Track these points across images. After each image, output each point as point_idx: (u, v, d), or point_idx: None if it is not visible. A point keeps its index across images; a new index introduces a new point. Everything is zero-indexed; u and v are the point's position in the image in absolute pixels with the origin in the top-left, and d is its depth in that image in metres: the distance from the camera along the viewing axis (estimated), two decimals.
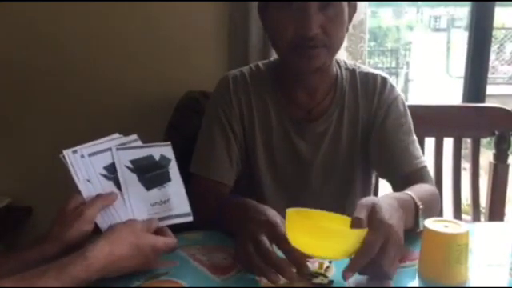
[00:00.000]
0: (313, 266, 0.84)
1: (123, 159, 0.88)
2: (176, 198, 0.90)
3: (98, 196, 0.84)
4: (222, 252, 0.92)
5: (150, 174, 0.89)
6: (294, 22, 1.03)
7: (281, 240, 0.81)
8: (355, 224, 0.80)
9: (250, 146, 1.18)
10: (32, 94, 1.76)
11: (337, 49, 1.09)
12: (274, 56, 1.63)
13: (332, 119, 1.16)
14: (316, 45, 1.03)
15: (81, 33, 1.72)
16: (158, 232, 0.86)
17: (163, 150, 0.92)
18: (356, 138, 1.18)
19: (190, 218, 0.91)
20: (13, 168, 1.82)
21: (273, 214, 0.87)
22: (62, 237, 0.79)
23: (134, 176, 0.88)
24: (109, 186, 0.86)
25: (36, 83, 1.75)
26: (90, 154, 0.86)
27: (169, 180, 0.91)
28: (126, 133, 0.95)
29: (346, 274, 0.77)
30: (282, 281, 0.79)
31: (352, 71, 1.19)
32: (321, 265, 0.85)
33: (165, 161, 0.91)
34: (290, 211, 0.81)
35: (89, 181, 0.85)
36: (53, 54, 1.73)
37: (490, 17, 1.82)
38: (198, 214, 1.09)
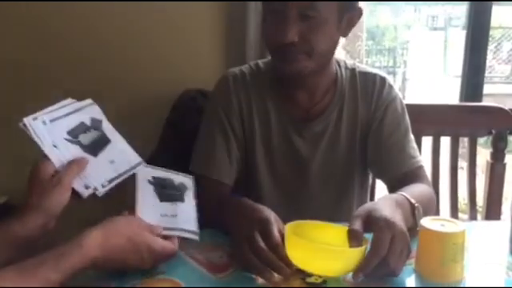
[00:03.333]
0: None
1: (148, 174, 0.90)
2: (185, 216, 0.91)
3: (73, 162, 0.82)
4: (219, 250, 0.92)
5: (167, 190, 0.90)
6: (274, 27, 1.04)
7: (268, 237, 0.81)
8: (352, 236, 0.81)
9: (249, 145, 1.18)
10: (30, 93, 1.75)
11: (323, 56, 1.08)
12: None
13: (331, 118, 1.16)
14: (295, 52, 1.03)
15: (79, 31, 1.71)
16: (165, 239, 0.85)
17: (184, 179, 0.95)
18: (354, 138, 1.18)
19: (196, 237, 0.90)
20: (10, 166, 1.81)
21: (267, 212, 0.88)
22: (42, 206, 0.78)
23: (151, 187, 0.89)
24: (76, 150, 0.85)
25: (34, 81, 1.74)
26: (52, 120, 0.84)
27: (182, 200, 0.92)
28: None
29: (357, 275, 0.78)
30: (277, 278, 0.79)
31: (352, 71, 1.19)
32: None
33: (183, 187, 0.94)
34: (288, 227, 0.83)
35: (55, 146, 0.83)
36: (52, 52, 1.73)
37: (487, 16, 1.82)
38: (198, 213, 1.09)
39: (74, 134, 0.85)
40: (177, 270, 0.84)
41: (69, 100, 0.89)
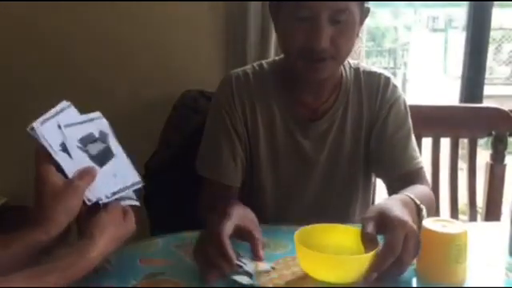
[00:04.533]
0: None
1: (74, 138, 0.85)
2: (124, 171, 0.88)
3: (86, 170, 0.81)
4: None
5: (96, 152, 0.87)
6: (303, 33, 1.02)
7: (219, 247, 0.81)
8: (367, 240, 0.81)
9: (252, 146, 1.17)
10: (31, 93, 1.76)
11: (345, 58, 1.10)
12: (272, 54, 1.64)
13: (335, 118, 1.16)
14: (324, 57, 1.03)
15: (80, 32, 1.72)
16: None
17: (101, 125, 0.89)
18: (359, 137, 1.18)
19: (140, 184, 0.88)
20: (10, 167, 1.81)
21: (229, 223, 0.86)
22: (62, 217, 0.76)
23: (85, 155, 0.85)
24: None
25: (35, 82, 1.75)
26: (66, 126, 0.84)
27: (113, 155, 0.88)
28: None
29: (370, 275, 0.77)
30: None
31: (356, 70, 1.19)
32: None
33: (103, 136, 0.89)
34: (297, 236, 0.82)
35: (68, 152, 0.82)
36: (52, 53, 1.73)
37: (487, 17, 1.82)
38: (205, 214, 1.09)
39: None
40: (176, 271, 0.85)
41: (66, 103, 0.87)
